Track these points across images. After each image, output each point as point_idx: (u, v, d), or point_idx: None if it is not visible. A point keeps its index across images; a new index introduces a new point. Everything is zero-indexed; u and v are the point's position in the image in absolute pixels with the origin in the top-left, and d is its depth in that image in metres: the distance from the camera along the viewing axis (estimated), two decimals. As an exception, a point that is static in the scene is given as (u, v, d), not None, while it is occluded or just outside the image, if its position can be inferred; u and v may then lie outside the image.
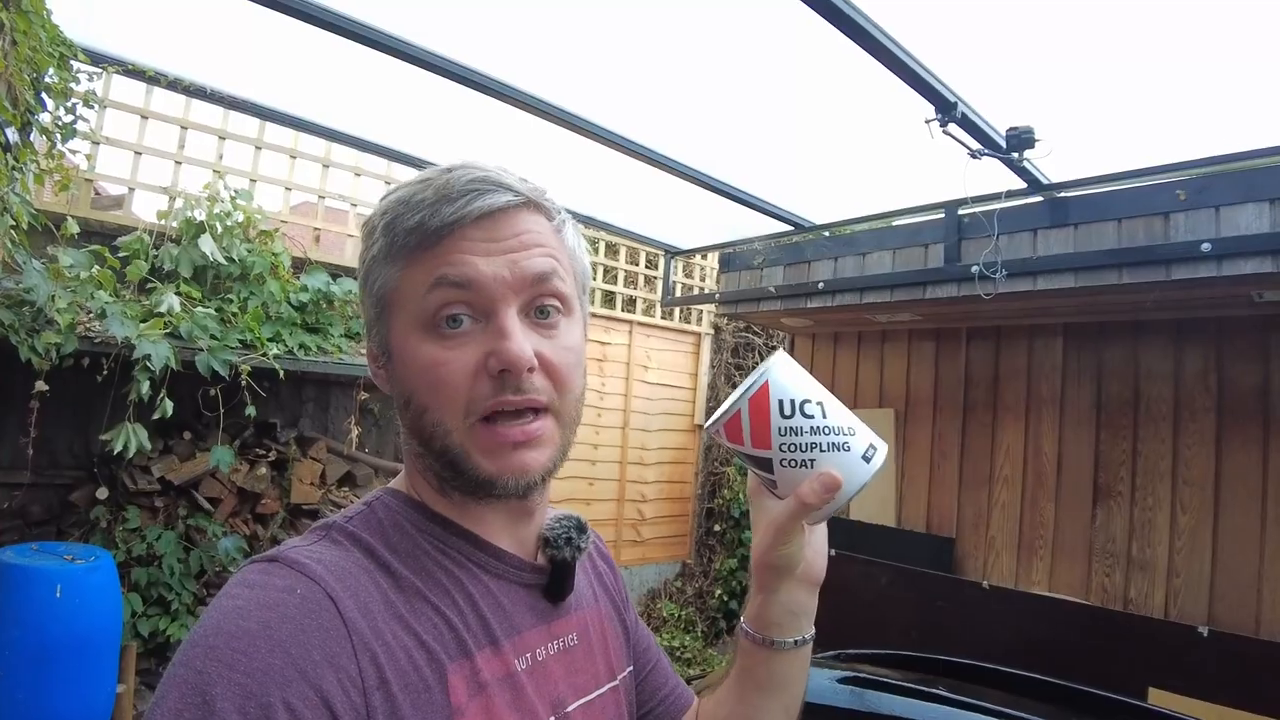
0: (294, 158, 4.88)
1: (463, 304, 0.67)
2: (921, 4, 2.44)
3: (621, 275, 6.77)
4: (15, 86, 2.69)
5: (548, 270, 0.70)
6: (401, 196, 0.71)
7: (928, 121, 2.84)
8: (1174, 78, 2.75)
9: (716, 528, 6.95)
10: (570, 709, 0.75)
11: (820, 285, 4.08)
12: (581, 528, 0.82)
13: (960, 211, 3.65)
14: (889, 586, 4.28)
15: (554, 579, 0.79)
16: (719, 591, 6.67)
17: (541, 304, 0.71)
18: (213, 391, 3.98)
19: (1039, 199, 3.39)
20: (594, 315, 6.48)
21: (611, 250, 6.83)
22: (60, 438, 4.11)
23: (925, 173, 3.59)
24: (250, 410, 4.03)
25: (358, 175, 5.14)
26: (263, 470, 4.47)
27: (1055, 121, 2.93)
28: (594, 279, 6.60)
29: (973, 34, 2.62)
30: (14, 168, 2.94)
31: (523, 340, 0.67)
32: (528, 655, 0.72)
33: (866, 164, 3.69)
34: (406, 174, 5.13)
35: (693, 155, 3.66)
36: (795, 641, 0.82)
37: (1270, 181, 2.82)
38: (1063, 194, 3.32)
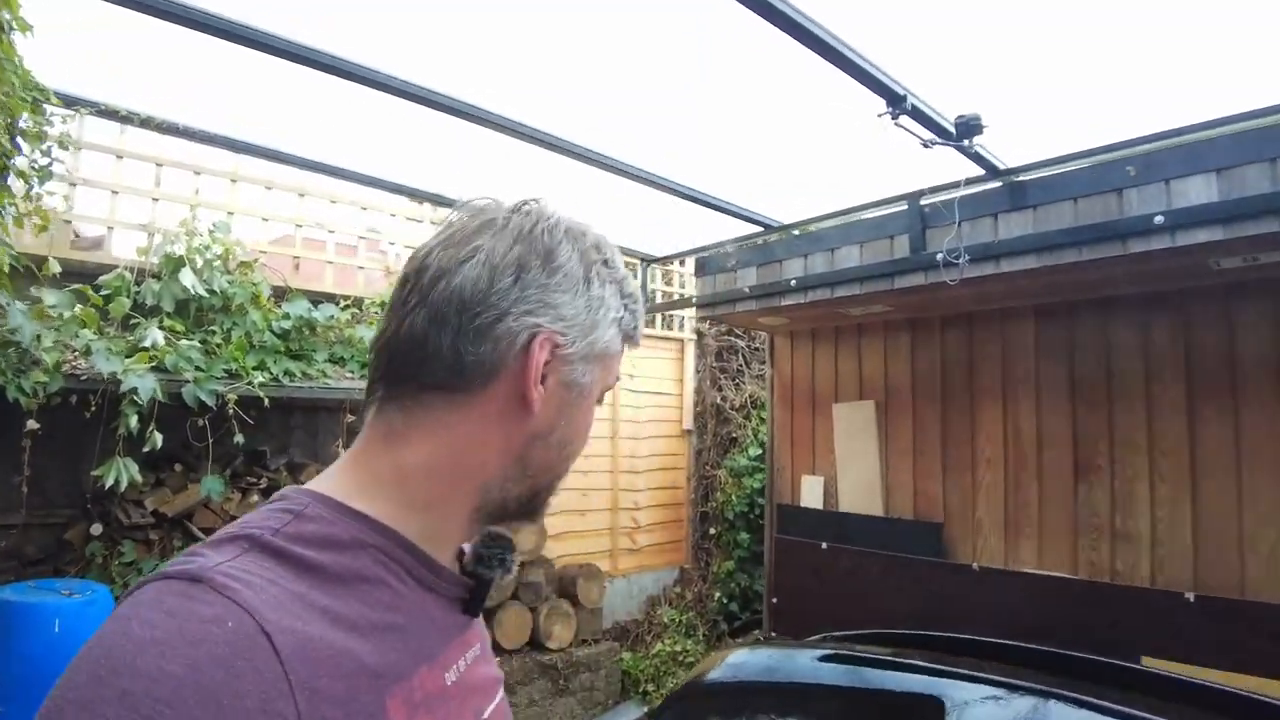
0: (269, 189, 4.91)
1: None
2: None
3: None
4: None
5: None
6: (633, 293, 0.83)
7: (879, 115, 2.92)
8: (1119, 56, 2.84)
9: (712, 531, 6.97)
10: (485, 715, 0.78)
11: (792, 283, 4.15)
12: (512, 548, 0.82)
13: (922, 201, 3.73)
14: (882, 576, 4.33)
15: (477, 595, 0.79)
16: (718, 594, 6.67)
17: None
18: (200, 422, 3.99)
19: (998, 184, 3.46)
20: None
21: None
22: (53, 476, 4.12)
23: (887, 166, 3.68)
24: (238, 439, 4.04)
25: (333, 203, 5.18)
26: (254, 498, 4.49)
27: (1007, 107, 3.01)
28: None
29: (916, 26, 2.70)
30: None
31: None
32: (455, 667, 0.73)
33: (828, 162, 3.78)
34: (380, 198, 5.18)
35: (661, 164, 3.75)
36: None
37: (1214, 153, 2.90)
38: (1020, 177, 3.40)
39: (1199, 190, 2.92)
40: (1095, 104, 3.09)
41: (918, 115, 2.91)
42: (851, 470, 4.79)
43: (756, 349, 7.14)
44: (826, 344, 4.97)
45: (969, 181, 3.46)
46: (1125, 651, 3.24)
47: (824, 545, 4.63)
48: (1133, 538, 3.66)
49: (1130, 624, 3.44)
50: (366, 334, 4.83)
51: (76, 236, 4.42)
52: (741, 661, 2.32)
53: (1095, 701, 1.64)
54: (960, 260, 3.38)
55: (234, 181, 4.78)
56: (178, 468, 4.32)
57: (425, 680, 0.67)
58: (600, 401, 0.81)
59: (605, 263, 0.78)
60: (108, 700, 0.47)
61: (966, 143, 2.91)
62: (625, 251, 5.28)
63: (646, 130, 3.51)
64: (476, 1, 2.71)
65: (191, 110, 3.70)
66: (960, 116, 2.87)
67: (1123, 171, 3.11)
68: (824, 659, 2.15)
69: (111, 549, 4.01)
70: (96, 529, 4.01)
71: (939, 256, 3.49)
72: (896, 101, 2.84)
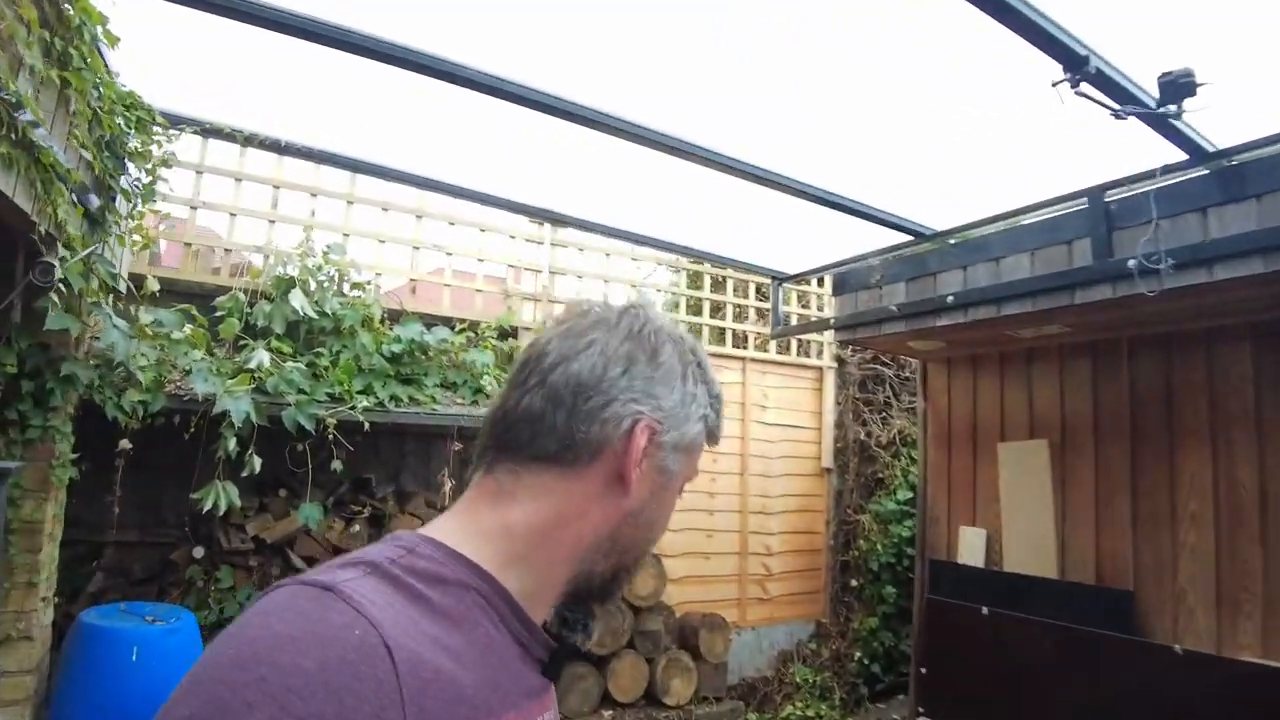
0: (386, 210, 4.85)
1: None
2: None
3: (730, 309, 6.38)
4: (78, 146, 2.66)
5: None
6: (718, 395, 0.90)
7: (1055, 84, 2.37)
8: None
9: (853, 582, 6.32)
10: None
11: (950, 299, 3.59)
12: (594, 615, 0.85)
13: (1107, 197, 3.11)
14: (1055, 652, 3.62)
15: (556, 658, 0.80)
16: (858, 654, 6.04)
17: None
18: (301, 447, 3.89)
19: (1204, 171, 2.81)
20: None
21: (718, 284, 6.47)
22: (164, 496, 4.13)
23: (1059, 157, 3.09)
24: (336, 465, 3.93)
25: (451, 224, 5.08)
26: (358, 528, 4.33)
27: (1215, 71, 2.37)
28: (700, 314, 6.30)
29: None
30: (97, 228, 2.97)
31: None
32: None
33: (990, 157, 3.21)
34: (498, 218, 5.04)
35: (794, 166, 3.32)
36: None
37: None
38: (1234, 160, 2.72)
39: None
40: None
41: (1102, 81, 2.33)
42: (1020, 522, 4.10)
43: (907, 378, 6.47)
44: (990, 372, 4.32)
45: (1167, 169, 2.81)
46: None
47: (984, 610, 3.95)
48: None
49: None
50: (480, 358, 4.69)
51: (194, 258, 4.44)
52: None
53: None
54: (1161, 266, 2.73)
55: (350, 203, 4.76)
56: (282, 493, 4.24)
57: None
58: (681, 493, 0.87)
59: (699, 365, 0.87)
60: (247, 684, 0.52)
61: (1173, 108, 2.28)
62: (754, 270, 4.84)
63: (773, 128, 3.09)
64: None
65: (308, 128, 3.61)
66: (1165, 74, 2.26)
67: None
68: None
69: (210, 573, 3.92)
70: (198, 552, 3.97)
71: (1131, 263, 2.87)
72: (1077, 65, 2.28)
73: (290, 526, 4.11)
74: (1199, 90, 2.25)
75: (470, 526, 0.77)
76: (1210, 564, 3.37)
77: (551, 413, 0.77)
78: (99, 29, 2.61)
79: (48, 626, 3.29)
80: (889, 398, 6.52)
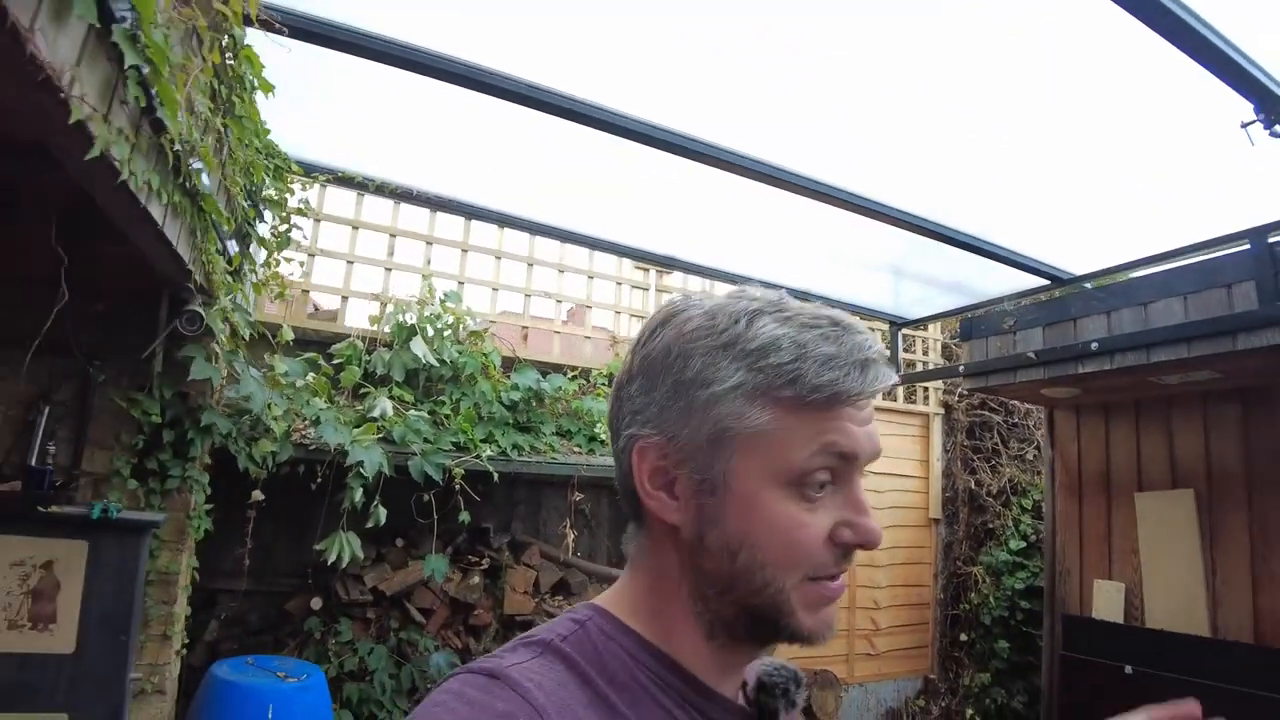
0: (499, 258, 4.87)
1: (833, 471, 0.67)
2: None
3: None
4: (231, 194, 2.69)
5: (880, 449, 0.71)
6: (800, 340, 0.66)
7: (1245, 125, 2.29)
8: None
9: (963, 637, 6.07)
10: None
11: (1094, 346, 3.44)
12: (798, 680, 0.80)
13: (1271, 239, 2.97)
14: (1209, 714, 3.39)
15: None
16: (970, 712, 5.77)
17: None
18: (426, 497, 3.86)
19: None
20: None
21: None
22: (280, 546, 4.10)
23: (1214, 198, 2.97)
24: (464, 516, 3.89)
25: (561, 272, 5.08)
26: (475, 579, 4.27)
27: None
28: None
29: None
30: (234, 276, 2.97)
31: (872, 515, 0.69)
32: None
33: (1135, 195, 3.08)
34: (604, 264, 5.07)
35: (917, 202, 3.20)
36: None
37: None
38: None
39: None
40: None
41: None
42: (1163, 576, 3.90)
43: (1015, 425, 6.26)
44: (1124, 419, 4.15)
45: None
46: None
47: (1128, 669, 3.74)
48: None
49: None
50: (594, 406, 4.67)
51: (316, 308, 4.50)
52: None
53: None
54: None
55: (464, 251, 4.78)
56: (399, 543, 4.19)
57: None
58: (801, 489, 0.66)
59: (712, 332, 0.69)
60: None
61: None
62: (870, 314, 4.72)
63: (898, 161, 2.98)
64: (694, 32, 2.36)
65: (424, 174, 3.64)
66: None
67: None
68: None
69: (329, 625, 3.88)
70: (316, 603, 3.92)
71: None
72: (1272, 105, 2.19)
73: (409, 578, 4.06)
74: None
75: (629, 595, 0.73)
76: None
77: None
78: (255, 77, 2.64)
79: (176, 679, 3.26)
80: (997, 445, 6.31)
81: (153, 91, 1.58)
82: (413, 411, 3.96)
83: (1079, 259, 3.53)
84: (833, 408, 0.65)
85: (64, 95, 1.27)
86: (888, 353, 0.69)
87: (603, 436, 4.56)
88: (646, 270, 5.37)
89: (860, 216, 3.22)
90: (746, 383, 0.65)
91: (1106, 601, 4.11)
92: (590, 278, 5.19)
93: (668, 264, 4.54)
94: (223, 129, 2.44)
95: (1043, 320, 3.76)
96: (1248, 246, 3.05)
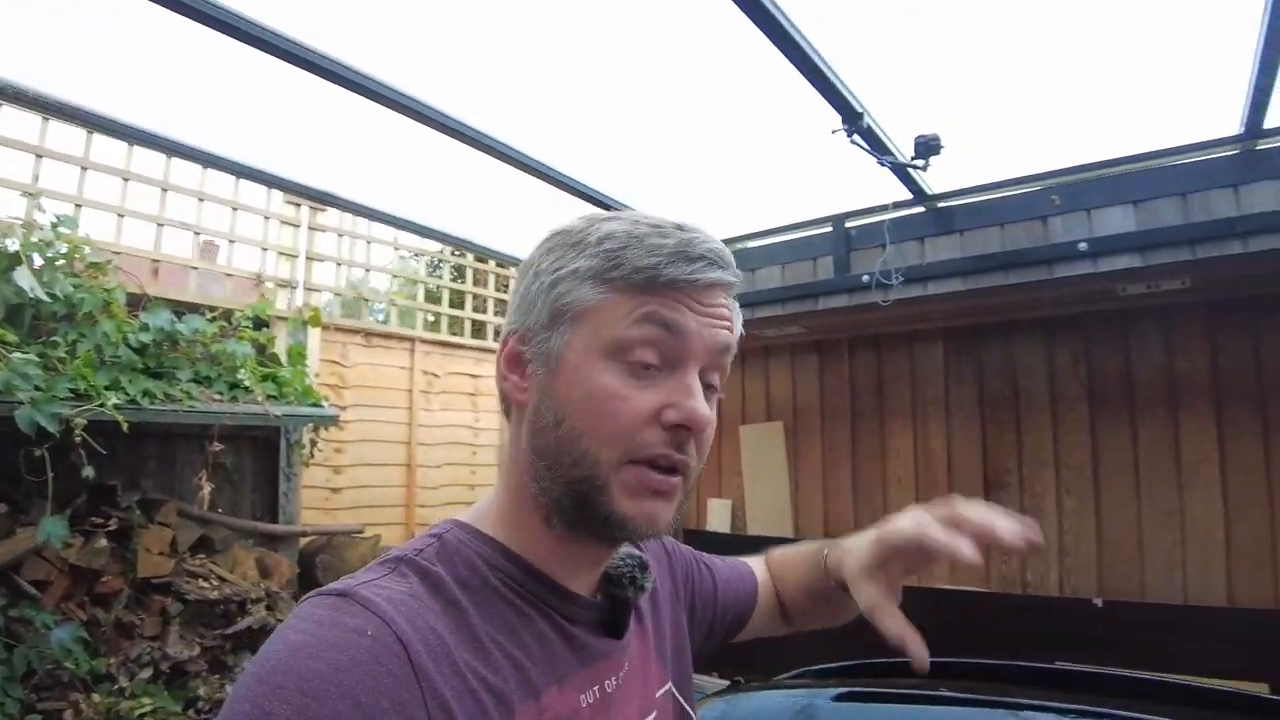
0: (127, 180, 4.31)
1: (658, 349, 0.68)
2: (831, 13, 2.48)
3: (491, 303, 6.59)
4: None
5: (729, 345, 0.73)
6: (635, 233, 0.70)
7: (834, 131, 2.91)
8: (1044, 91, 2.97)
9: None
10: None
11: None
12: (644, 566, 0.82)
13: (847, 224, 3.78)
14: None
15: (615, 616, 0.79)
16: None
17: (709, 377, 0.72)
18: (38, 452, 3.40)
19: (922, 209, 3.56)
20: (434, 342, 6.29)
21: (480, 278, 6.65)
22: None
23: (811, 188, 3.71)
24: (88, 471, 3.49)
25: (201, 200, 4.62)
26: (101, 542, 3.80)
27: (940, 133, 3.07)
28: (463, 308, 6.41)
29: (873, 47, 2.72)
30: None
31: (704, 402, 0.69)
32: (593, 689, 0.74)
33: (754, 180, 3.76)
34: (259, 195, 4.73)
35: (579, 169, 3.54)
36: None
37: (1133, 185, 3.09)
38: (946, 203, 3.50)
39: (1119, 220, 3.10)
40: (1020, 135, 3.22)
41: (869, 136, 2.92)
42: (760, 493, 4.77)
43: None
44: (734, 366, 4.92)
45: (896, 205, 3.53)
46: (1040, 658, 3.34)
47: (731, 569, 4.56)
48: (1041, 550, 3.81)
49: (1043, 631, 3.53)
50: (237, 350, 4.29)
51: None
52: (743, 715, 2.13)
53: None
54: (894, 281, 3.42)
55: (84, 169, 4.13)
56: (3, 508, 3.63)
57: (555, 700, 0.69)
58: (626, 363, 0.68)
59: (567, 233, 0.74)
60: (266, 695, 0.53)
61: (922, 162, 2.94)
62: (508, 259, 5.01)
63: (542, 118, 3.25)
64: None
65: (36, 71, 3.03)
66: (921, 136, 2.90)
67: (1047, 200, 3.26)
68: (839, 698, 2.03)
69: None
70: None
71: (864, 278, 3.54)
72: (853, 119, 2.84)
73: (19, 547, 3.51)
74: (942, 149, 2.93)
75: (486, 506, 0.77)
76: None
77: None
78: None
79: None
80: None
81: None
82: (17, 354, 3.39)
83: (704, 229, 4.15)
84: (657, 288, 0.68)
85: None
86: (731, 259, 0.71)
87: (246, 383, 4.25)
88: (299, 205, 5.07)
89: (511, 168, 3.35)
90: (582, 267, 0.70)
91: (717, 516, 4.93)
92: (235, 210, 4.76)
93: (323, 199, 4.32)
94: None
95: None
96: (830, 229, 3.84)
